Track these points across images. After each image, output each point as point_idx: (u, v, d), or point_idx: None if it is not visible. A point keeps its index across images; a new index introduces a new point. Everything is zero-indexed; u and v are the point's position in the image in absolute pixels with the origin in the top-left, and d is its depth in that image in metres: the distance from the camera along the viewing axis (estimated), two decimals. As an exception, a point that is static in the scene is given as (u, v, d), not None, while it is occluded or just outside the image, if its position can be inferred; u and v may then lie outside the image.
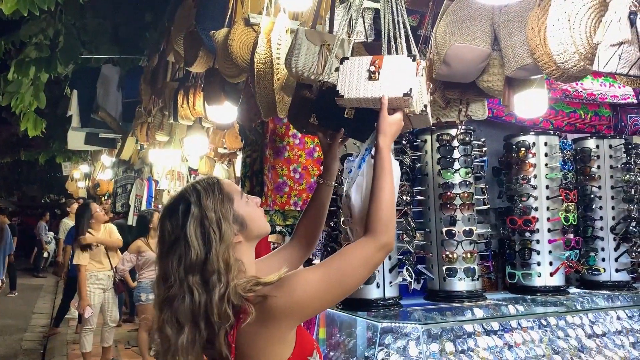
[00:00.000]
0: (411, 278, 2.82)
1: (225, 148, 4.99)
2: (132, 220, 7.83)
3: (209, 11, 3.59)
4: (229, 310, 1.37)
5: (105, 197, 10.36)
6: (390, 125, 1.65)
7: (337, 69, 1.82)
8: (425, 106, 1.85)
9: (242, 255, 1.50)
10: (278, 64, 2.60)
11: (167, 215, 1.51)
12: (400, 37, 2.01)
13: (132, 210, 7.85)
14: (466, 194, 3.01)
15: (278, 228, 3.07)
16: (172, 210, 1.50)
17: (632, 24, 1.59)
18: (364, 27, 2.39)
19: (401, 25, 2.03)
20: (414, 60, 1.70)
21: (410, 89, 1.64)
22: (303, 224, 1.85)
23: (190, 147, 4.98)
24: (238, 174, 5.05)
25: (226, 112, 3.61)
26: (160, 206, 6.92)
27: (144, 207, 7.49)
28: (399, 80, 1.66)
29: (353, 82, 1.70)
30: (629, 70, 1.63)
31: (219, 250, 1.41)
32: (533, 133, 3.25)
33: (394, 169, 1.68)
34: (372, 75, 1.68)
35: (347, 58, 1.77)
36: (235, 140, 4.58)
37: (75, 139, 7.54)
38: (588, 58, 1.81)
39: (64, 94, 7.85)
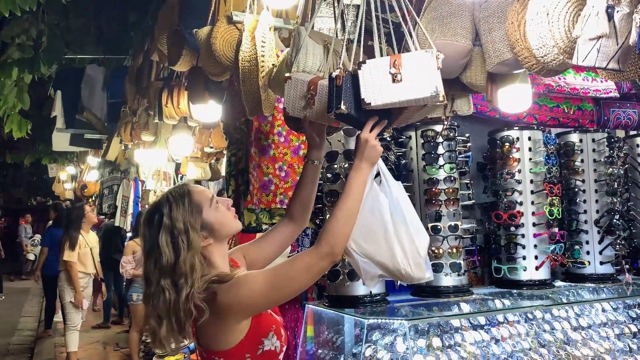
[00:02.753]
0: (398, 274, 2.82)
1: (211, 147, 4.97)
2: (119, 221, 7.78)
3: (192, 9, 3.57)
4: (192, 307, 1.56)
5: (93, 199, 10.27)
6: (372, 148, 1.71)
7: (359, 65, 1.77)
8: (443, 97, 1.81)
9: (213, 254, 1.70)
10: (263, 61, 2.58)
11: (145, 224, 1.69)
12: (381, 35, 2.01)
13: (119, 211, 7.78)
14: (451, 190, 3.02)
15: (264, 227, 3.06)
16: (149, 220, 1.68)
17: (610, 17, 1.60)
18: (347, 24, 2.38)
19: (387, 22, 2.03)
20: (432, 55, 1.68)
21: (437, 87, 1.63)
22: (294, 203, 1.97)
23: (175, 147, 4.95)
24: (224, 172, 5.03)
25: (210, 111, 3.60)
26: (147, 207, 6.87)
27: (130, 208, 7.44)
28: (423, 79, 1.64)
29: (376, 87, 1.67)
30: (607, 64, 1.64)
31: (186, 257, 1.59)
32: (517, 128, 3.28)
33: (395, 190, 1.82)
34: (395, 78, 1.66)
35: (364, 62, 1.73)
36: (221, 139, 4.56)
37: (60, 140, 7.46)
38: (567, 52, 1.82)
39: (48, 95, 7.76)
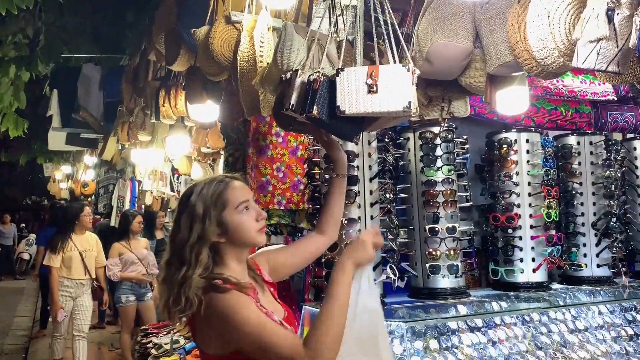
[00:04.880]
0: (395, 276, 2.82)
1: (208, 147, 4.95)
2: (115, 221, 7.75)
3: (190, 9, 3.55)
4: (183, 296, 1.50)
5: (90, 199, 10.24)
6: (365, 251, 1.65)
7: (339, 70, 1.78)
8: (417, 108, 1.83)
9: (227, 254, 1.62)
10: (261, 61, 2.58)
11: (182, 195, 1.68)
12: (385, 36, 2.00)
13: (114, 211, 7.76)
14: (449, 192, 3.02)
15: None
16: (185, 193, 1.67)
17: (610, 20, 1.60)
18: (344, 24, 2.37)
19: (386, 24, 2.02)
20: (408, 70, 1.70)
21: (410, 102, 1.65)
22: (323, 217, 1.96)
23: (172, 147, 4.93)
24: (221, 173, 5.02)
25: (208, 111, 3.58)
26: (143, 207, 6.86)
27: (127, 208, 7.41)
28: (397, 93, 1.68)
29: (352, 96, 1.71)
30: (607, 67, 1.64)
31: (194, 244, 1.55)
32: (515, 130, 3.28)
33: (370, 299, 1.68)
34: (371, 89, 1.68)
35: (343, 70, 1.75)
36: (218, 139, 4.55)
37: (56, 140, 7.43)
38: (567, 54, 1.82)
39: (43, 94, 7.73)
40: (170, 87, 4.22)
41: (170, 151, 5.14)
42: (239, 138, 3.14)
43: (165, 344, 4.60)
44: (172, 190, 7.12)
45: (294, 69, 1.90)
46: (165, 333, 4.85)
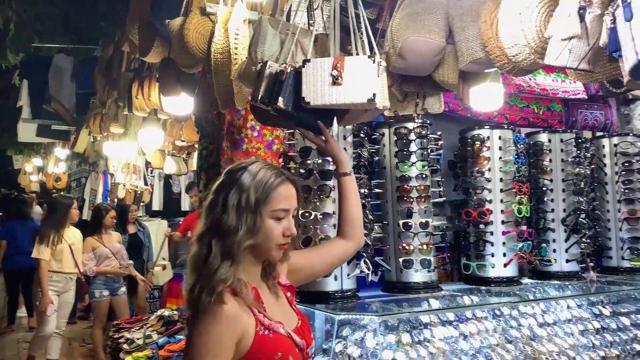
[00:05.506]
0: (369, 270, 2.84)
1: (183, 140, 4.90)
2: (87, 215, 7.62)
3: (165, 0, 3.50)
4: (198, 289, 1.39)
5: (63, 192, 10.04)
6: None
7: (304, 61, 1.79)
8: (387, 101, 1.84)
9: (245, 257, 1.49)
10: (236, 54, 2.55)
11: (228, 172, 1.52)
12: (357, 31, 2.01)
13: (87, 204, 7.63)
14: (422, 187, 3.04)
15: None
16: (232, 170, 1.51)
17: (582, 18, 1.63)
18: (322, 19, 2.37)
19: (360, 19, 2.03)
20: (374, 61, 1.70)
21: (374, 94, 1.65)
22: (342, 222, 1.84)
23: (145, 140, 4.86)
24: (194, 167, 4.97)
25: (182, 103, 3.54)
26: (115, 200, 6.76)
27: (99, 201, 7.29)
28: (362, 84, 1.66)
29: (317, 87, 1.69)
30: (578, 64, 1.67)
31: (243, 237, 1.43)
32: (488, 127, 3.31)
33: None
34: (336, 80, 1.67)
35: (309, 60, 1.74)
36: (193, 132, 4.50)
37: (27, 131, 7.28)
38: (538, 52, 1.85)
39: (12, 84, 7.54)
40: (143, 78, 4.16)
41: (143, 144, 5.06)
42: (213, 131, 3.11)
43: (137, 339, 4.56)
44: (146, 183, 7.03)
45: (265, 61, 1.89)
46: (137, 328, 4.81)
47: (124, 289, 5.81)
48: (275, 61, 1.88)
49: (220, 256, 1.42)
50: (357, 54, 1.99)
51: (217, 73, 2.54)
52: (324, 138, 1.79)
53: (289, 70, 1.75)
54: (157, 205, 7.69)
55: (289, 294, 1.65)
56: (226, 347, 1.38)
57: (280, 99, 1.71)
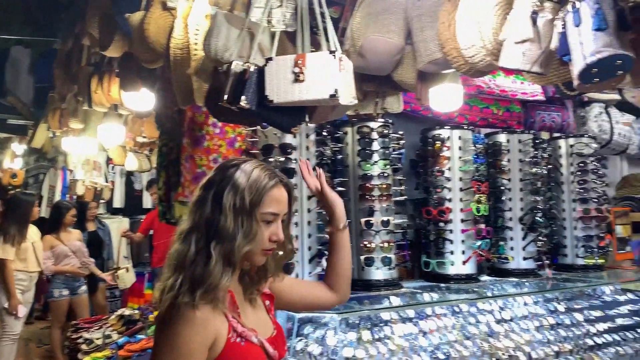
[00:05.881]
0: (330, 268, 2.84)
1: (144, 137, 4.81)
2: (45, 212, 7.41)
3: (125, -7, 3.43)
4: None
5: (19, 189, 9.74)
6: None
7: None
8: (353, 97, 1.84)
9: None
10: (196, 50, 2.51)
11: (217, 169, 1.43)
12: (320, 29, 2.01)
13: (45, 201, 7.42)
14: (384, 185, 3.07)
15: (196, 220, 2.99)
16: (223, 166, 1.42)
17: (534, 23, 1.67)
18: (284, 15, 2.36)
19: (324, 17, 2.03)
20: (335, 57, 1.70)
21: (336, 90, 1.65)
22: (329, 273, 1.73)
23: (106, 136, 4.76)
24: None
25: (143, 99, 3.48)
26: (75, 197, 6.60)
27: (57, 198, 7.10)
28: (324, 80, 1.66)
29: (280, 85, 1.68)
30: (531, 67, 1.71)
31: (241, 243, 1.35)
32: (448, 127, 3.37)
33: None
34: (298, 77, 1.67)
35: (271, 58, 1.74)
36: (154, 129, 4.42)
37: (-19, 125, 7.05)
38: (494, 54, 1.89)
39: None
40: (103, 73, 4.07)
41: (103, 140, 4.95)
42: (173, 128, 3.06)
43: (96, 339, 4.46)
44: (106, 180, 6.89)
45: (231, 61, 1.88)
46: (97, 328, 4.70)
47: (84, 288, 5.67)
48: (229, 56, 1.87)
49: (221, 262, 1.34)
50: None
51: (176, 69, 2.51)
52: (318, 185, 1.67)
53: (252, 69, 1.74)
54: (118, 203, 7.54)
55: (267, 302, 1.59)
56: (196, 352, 1.31)
57: (243, 97, 1.71)
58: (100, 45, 3.53)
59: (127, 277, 5.82)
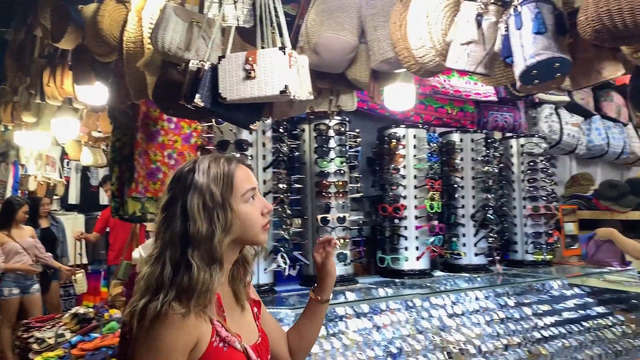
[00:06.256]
0: (285, 264, 2.86)
1: (99, 131, 4.71)
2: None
3: (79, -16, 3.35)
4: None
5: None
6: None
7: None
8: (310, 93, 1.85)
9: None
10: (149, 43, 2.48)
11: (174, 179, 1.38)
12: (274, 25, 2.02)
13: (-5, 197, 7.16)
14: (340, 183, 3.10)
15: (150, 216, 2.96)
16: (179, 175, 1.37)
17: (479, 25, 1.72)
18: (236, 10, 2.35)
19: (277, 13, 2.04)
20: (285, 53, 1.72)
21: (286, 86, 1.66)
22: (293, 334, 1.68)
23: (59, 130, 4.63)
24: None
25: (97, 93, 3.41)
26: (26, 193, 6.40)
27: (8, 194, 6.87)
28: (274, 77, 1.67)
29: (233, 82, 1.69)
30: (475, 68, 1.76)
31: (223, 239, 1.32)
32: (404, 126, 3.43)
33: None
34: (249, 74, 1.68)
35: (224, 56, 1.75)
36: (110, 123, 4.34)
37: None
38: (443, 54, 1.93)
39: None
40: (56, 65, 3.96)
41: (57, 134, 4.82)
42: (126, 122, 3.01)
43: (48, 338, 4.34)
44: (61, 176, 6.70)
45: (186, 59, 1.88)
46: (49, 327, 4.59)
47: (37, 286, 5.52)
48: (176, 50, 1.87)
49: (205, 265, 1.30)
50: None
51: (130, 63, 2.47)
52: (322, 253, 1.65)
53: (206, 68, 1.74)
54: (73, 199, 7.34)
55: (255, 309, 1.56)
56: (176, 353, 1.27)
57: (198, 95, 1.71)
58: (52, 37, 3.43)
59: (84, 281, 5.70)
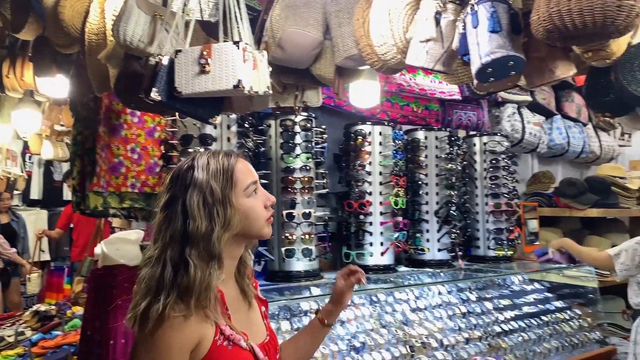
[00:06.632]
0: (251, 260, 2.86)
1: (62, 125, 4.61)
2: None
3: (40, -28, 3.27)
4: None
5: None
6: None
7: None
8: (268, 87, 1.86)
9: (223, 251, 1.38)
10: (112, 36, 2.45)
11: (172, 176, 1.38)
12: (239, 19, 2.02)
13: (-48, 192, 6.93)
14: (306, 178, 3.12)
15: (112, 211, 2.92)
16: (177, 172, 1.37)
17: (437, 23, 1.76)
18: (201, 4, 2.34)
19: (239, 6, 2.03)
20: (239, 47, 1.72)
21: (239, 80, 1.67)
22: (287, 348, 1.66)
23: (20, 123, 4.52)
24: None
25: (59, 85, 3.34)
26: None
27: (-33, 189, 6.66)
28: (228, 71, 1.68)
29: (189, 76, 1.69)
30: (434, 65, 1.80)
31: (222, 235, 1.32)
32: (370, 123, 3.46)
33: None
34: (204, 69, 1.68)
35: (180, 50, 1.74)
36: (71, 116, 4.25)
37: None
38: (404, 52, 1.96)
39: None
40: (16, 56, 3.86)
41: (18, 127, 4.70)
42: (88, 115, 2.96)
43: (8, 337, 4.25)
44: (22, 170, 6.54)
45: (146, 52, 1.86)
46: (9, 325, 4.49)
47: (-2, 283, 5.40)
48: (138, 42, 1.85)
49: (203, 263, 1.29)
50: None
51: (92, 55, 2.42)
52: (347, 280, 1.66)
53: (164, 62, 1.74)
54: (35, 194, 7.17)
55: (263, 308, 1.56)
56: (177, 353, 1.25)
57: (154, 89, 1.70)
58: (12, 26, 3.33)
59: (38, 282, 5.57)
